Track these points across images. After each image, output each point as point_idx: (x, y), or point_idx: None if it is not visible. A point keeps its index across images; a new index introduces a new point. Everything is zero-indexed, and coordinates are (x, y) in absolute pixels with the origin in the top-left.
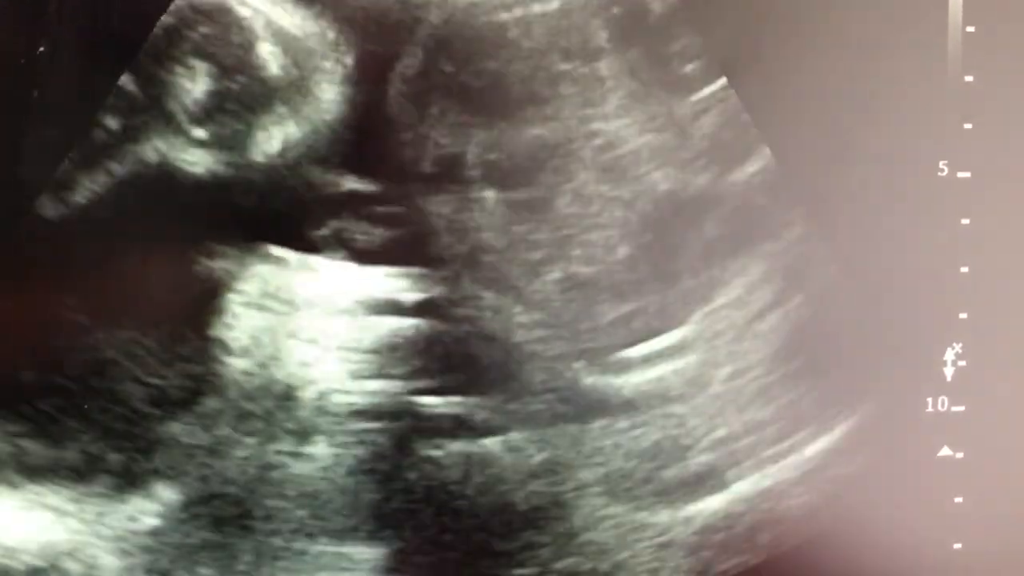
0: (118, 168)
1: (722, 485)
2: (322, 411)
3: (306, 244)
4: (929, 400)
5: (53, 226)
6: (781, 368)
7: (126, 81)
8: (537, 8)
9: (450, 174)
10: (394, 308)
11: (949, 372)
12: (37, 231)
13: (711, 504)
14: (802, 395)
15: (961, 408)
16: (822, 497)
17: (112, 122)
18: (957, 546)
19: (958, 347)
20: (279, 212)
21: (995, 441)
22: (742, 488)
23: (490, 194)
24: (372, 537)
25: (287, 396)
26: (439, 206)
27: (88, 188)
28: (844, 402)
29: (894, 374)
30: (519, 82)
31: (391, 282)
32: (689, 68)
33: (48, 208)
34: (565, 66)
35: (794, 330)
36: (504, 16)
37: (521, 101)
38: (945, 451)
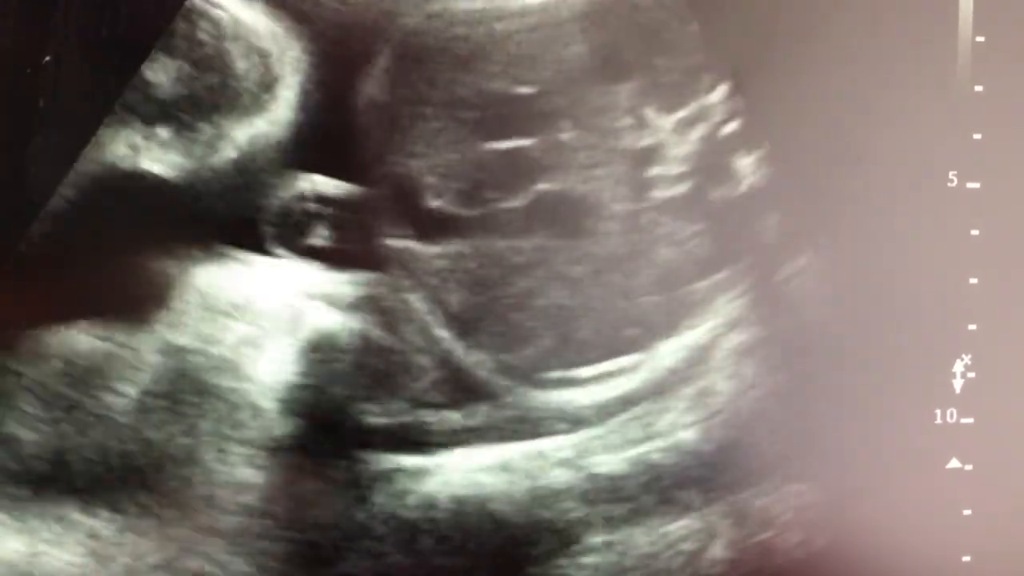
0: (87, 168)
1: (727, 498)
2: (263, 414)
3: (262, 245)
4: (938, 412)
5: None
6: (784, 378)
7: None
8: (513, 22)
9: (410, 180)
10: (344, 311)
11: (958, 384)
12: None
13: (704, 518)
14: (807, 406)
15: (970, 420)
16: (829, 510)
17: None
18: (966, 559)
19: (967, 359)
20: (237, 213)
21: (1004, 453)
22: (745, 502)
23: (449, 202)
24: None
25: (230, 396)
26: (397, 212)
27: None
28: (851, 414)
29: (902, 386)
30: (488, 93)
31: (342, 285)
32: (680, 76)
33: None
34: (537, 78)
35: (800, 340)
36: (478, 28)
37: (490, 112)
38: (954, 463)
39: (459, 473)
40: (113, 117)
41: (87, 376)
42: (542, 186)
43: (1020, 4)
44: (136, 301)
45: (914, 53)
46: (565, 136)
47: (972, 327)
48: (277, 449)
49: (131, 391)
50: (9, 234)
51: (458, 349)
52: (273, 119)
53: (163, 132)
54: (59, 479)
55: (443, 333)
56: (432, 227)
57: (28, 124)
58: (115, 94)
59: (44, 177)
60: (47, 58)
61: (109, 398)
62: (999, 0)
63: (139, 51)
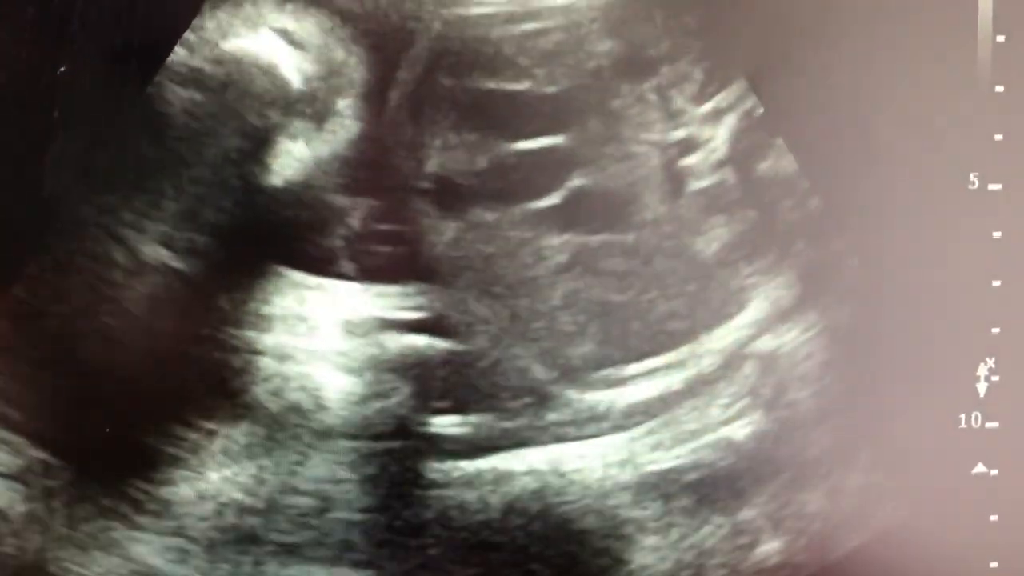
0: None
1: (754, 502)
2: (329, 431)
3: (315, 263)
4: (962, 416)
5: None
6: (812, 384)
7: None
8: (535, 25)
9: (451, 191)
10: (399, 326)
11: (982, 388)
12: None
13: (744, 516)
14: (834, 411)
15: (995, 424)
16: (856, 515)
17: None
18: (994, 565)
19: (991, 362)
20: (291, 231)
21: None
22: (774, 507)
23: (491, 211)
24: (370, 563)
25: (297, 414)
26: (441, 224)
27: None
28: (877, 419)
29: (927, 390)
30: (519, 98)
31: (397, 300)
32: (706, 69)
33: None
34: (566, 84)
35: (824, 346)
36: (503, 32)
37: (520, 117)
38: (980, 468)
39: (515, 474)
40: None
41: None
42: (576, 183)
43: None
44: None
45: (934, 53)
46: (595, 132)
47: (996, 330)
48: (350, 456)
49: None
50: (25, 240)
51: (509, 353)
52: (328, 132)
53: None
54: None
55: (505, 341)
56: (475, 231)
57: (43, 133)
58: (130, 105)
59: (60, 186)
60: (61, 68)
61: None
62: (1021, 3)
63: (153, 61)
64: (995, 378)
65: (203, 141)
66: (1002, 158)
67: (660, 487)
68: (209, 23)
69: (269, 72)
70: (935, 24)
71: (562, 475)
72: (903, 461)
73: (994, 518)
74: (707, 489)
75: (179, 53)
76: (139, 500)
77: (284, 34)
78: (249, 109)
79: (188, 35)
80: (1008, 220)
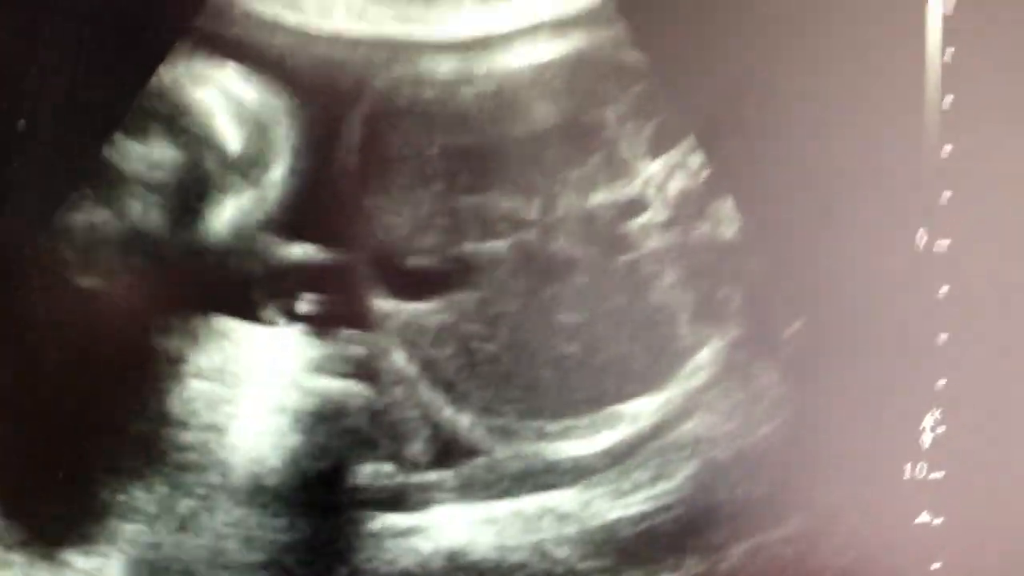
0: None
1: (699, 553)
2: (263, 484)
3: (253, 313)
4: (907, 466)
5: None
6: (755, 435)
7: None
8: (481, 83)
9: (388, 240)
10: (338, 376)
11: (928, 439)
12: None
13: (688, 566)
14: (779, 461)
15: (940, 474)
16: (801, 563)
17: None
18: None
19: (936, 414)
20: (228, 283)
21: (974, 507)
22: (719, 557)
23: (430, 260)
24: None
25: (227, 469)
26: (379, 273)
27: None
28: (824, 467)
29: (873, 440)
30: (460, 150)
31: (331, 349)
32: (653, 129)
33: None
34: (515, 136)
35: (771, 396)
36: (447, 90)
37: (464, 173)
38: (924, 518)
39: (452, 530)
40: (98, 182)
41: None
42: (521, 238)
43: (988, 64)
44: (129, 371)
45: (884, 114)
46: (541, 188)
47: (941, 383)
48: (270, 511)
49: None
50: None
51: (446, 407)
52: (263, 188)
53: (152, 203)
54: None
55: (431, 391)
56: (414, 285)
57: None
58: (89, 161)
59: (14, 241)
60: (21, 122)
61: None
62: (968, 60)
63: (116, 117)
64: (940, 429)
65: (148, 192)
66: (950, 216)
67: (601, 541)
68: (163, 80)
69: (213, 129)
70: (884, 85)
71: (503, 528)
72: (848, 509)
73: (936, 566)
74: (650, 542)
75: (136, 107)
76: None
77: (229, 93)
78: (193, 163)
79: (144, 91)
80: (954, 276)
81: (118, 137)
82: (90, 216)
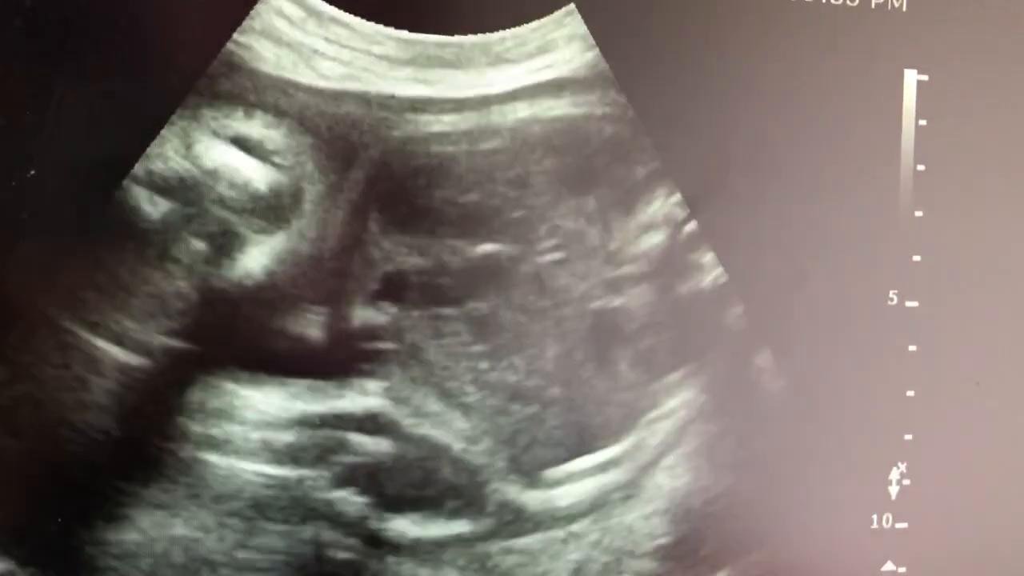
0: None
1: None
2: (255, 524)
3: (259, 360)
4: (874, 517)
5: None
6: (725, 482)
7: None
8: (484, 142)
9: (394, 292)
10: (335, 422)
11: (894, 491)
12: None
13: None
14: (747, 509)
15: (905, 525)
16: None
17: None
18: None
19: (903, 467)
20: (242, 328)
21: (936, 557)
22: None
23: (424, 307)
24: None
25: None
26: (383, 321)
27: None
28: (794, 517)
29: (842, 491)
30: (461, 207)
31: (334, 395)
32: (636, 187)
33: None
34: (508, 195)
35: (743, 448)
36: (451, 148)
37: (462, 225)
38: (888, 566)
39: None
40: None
41: None
42: (507, 285)
43: (957, 137)
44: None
45: (859, 180)
46: (532, 242)
47: (908, 437)
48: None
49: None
50: None
51: (444, 450)
52: (288, 238)
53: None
54: None
55: (430, 434)
56: (411, 332)
57: (9, 236)
58: (98, 210)
59: (24, 288)
60: (32, 172)
61: None
62: (938, 133)
63: (125, 168)
64: (906, 482)
65: (166, 243)
66: (919, 277)
67: None
68: (177, 129)
69: (231, 177)
70: (860, 154)
71: (502, 574)
72: (817, 558)
73: None
74: None
75: (148, 158)
76: None
77: (246, 141)
78: (210, 213)
79: (157, 141)
80: (923, 334)
81: (130, 186)
82: (104, 266)
